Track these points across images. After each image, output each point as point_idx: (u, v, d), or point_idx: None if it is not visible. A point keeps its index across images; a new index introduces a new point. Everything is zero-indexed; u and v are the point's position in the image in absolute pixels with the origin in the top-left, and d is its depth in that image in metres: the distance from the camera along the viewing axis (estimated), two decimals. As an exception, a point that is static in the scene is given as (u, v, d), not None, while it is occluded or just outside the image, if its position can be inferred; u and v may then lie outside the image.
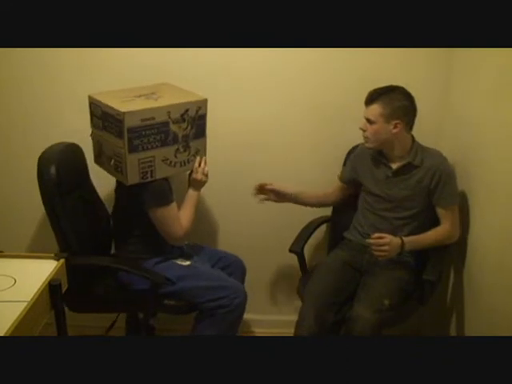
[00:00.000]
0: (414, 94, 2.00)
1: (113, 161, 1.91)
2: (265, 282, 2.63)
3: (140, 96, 1.92)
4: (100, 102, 1.87)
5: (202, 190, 2.10)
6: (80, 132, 2.06)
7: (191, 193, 2.08)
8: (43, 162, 1.93)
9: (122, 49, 2.15)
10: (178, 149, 1.97)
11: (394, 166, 2.09)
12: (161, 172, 1.94)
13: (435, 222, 2.07)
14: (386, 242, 1.92)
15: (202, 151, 2.06)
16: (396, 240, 1.96)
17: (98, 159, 2.03)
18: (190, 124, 1.96)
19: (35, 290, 1.32)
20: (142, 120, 1.82)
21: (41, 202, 1.94)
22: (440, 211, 2.05)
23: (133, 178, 1.88)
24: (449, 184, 2.03)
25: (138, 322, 2.23)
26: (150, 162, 1.90)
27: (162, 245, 2.06)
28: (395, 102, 1.97)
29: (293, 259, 2.26)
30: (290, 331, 2.02)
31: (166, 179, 1.98)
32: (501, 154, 1.85)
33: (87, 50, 2.16)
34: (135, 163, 1.86)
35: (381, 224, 2.12)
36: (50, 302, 1.37)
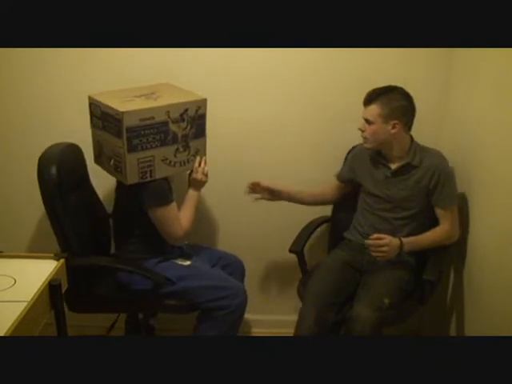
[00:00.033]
0: (413, 94, 2.00)
1: (112, 161, 1.91)
2: (265, 282, 2.63)
3: (140, 96, 1.92)
4: (100, 102, 1.87)
5: (202, 190, 2.10)
6: (79, 132, 2.07)
7: (191, 193, 2.08)
8: (44, 162, 1.93)
9: (122, 49, 2.15)
10: (177, 148, 1.97)
11: (393, 166, 2.09)
12: (160, 172, 1.94)
13: (435, 223, 2.07)
14: (385, 242, 1.92)
15: (201, 151, 2.06)
16: (395, 241, 1.96)
17: (98, 159, 2.03)
18: (190, 124, 1.96)
19: (35, 290, 1.32)
20: (141, 120, 1.82)
21: (40, 202, 1.94)
22: (439, 212, 2.05)
23: (132, 178, 1.88)
24: (448, 184, 2.02)
25: (137, 322, 2.23)
26: (150, 161, 1.90)
27: (162, 245, 2.06)
28: (394, 103, 1.96)
29: (293, 259, 2.26)
30: (290, 331, 2.02)
31: (165, 179, 1.98)
32: (501, 154, 1.85)
33: (87, 50, 2.16)
34: (134, 163, 1.86)
35: (380, 224, 2.12)
36: (49, 302, 1.37)
